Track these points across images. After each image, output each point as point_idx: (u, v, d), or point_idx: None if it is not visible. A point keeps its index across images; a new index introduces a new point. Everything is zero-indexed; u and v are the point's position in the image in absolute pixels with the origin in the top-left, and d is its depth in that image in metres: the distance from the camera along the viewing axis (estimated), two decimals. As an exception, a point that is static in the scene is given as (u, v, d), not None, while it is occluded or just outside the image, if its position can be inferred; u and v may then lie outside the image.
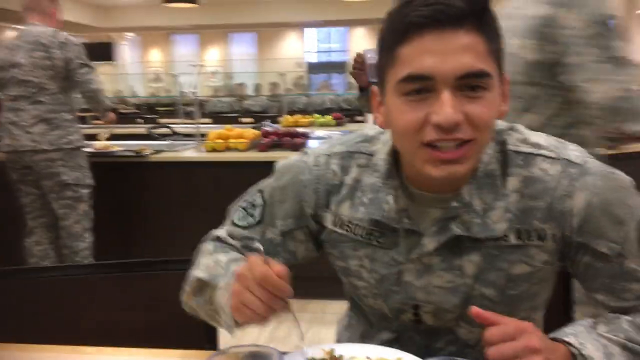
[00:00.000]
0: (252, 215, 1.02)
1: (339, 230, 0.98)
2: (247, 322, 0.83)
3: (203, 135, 3.67)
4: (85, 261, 3.05)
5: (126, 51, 15.79)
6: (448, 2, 0.76)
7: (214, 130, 3.73)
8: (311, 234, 1.02)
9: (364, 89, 2.42)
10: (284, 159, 1.05)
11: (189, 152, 3.66)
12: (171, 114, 7.66)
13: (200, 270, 0.97)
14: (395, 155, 0.93)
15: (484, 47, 0.78)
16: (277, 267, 0.78)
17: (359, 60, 2.36)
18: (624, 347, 0.80)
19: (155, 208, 3.48)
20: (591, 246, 0.86)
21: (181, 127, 4.62)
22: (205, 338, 1.14)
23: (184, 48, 16.13)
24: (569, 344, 0.79)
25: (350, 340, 1.09)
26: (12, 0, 5.39)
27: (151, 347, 0.99)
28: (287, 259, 1.02)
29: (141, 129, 4.83)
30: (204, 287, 0.94)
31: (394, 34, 0.80)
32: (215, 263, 0.96)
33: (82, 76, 2.99)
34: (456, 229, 0.87)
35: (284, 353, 0.84)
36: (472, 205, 0.87)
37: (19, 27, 3.08)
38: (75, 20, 11.69)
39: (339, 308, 1.22)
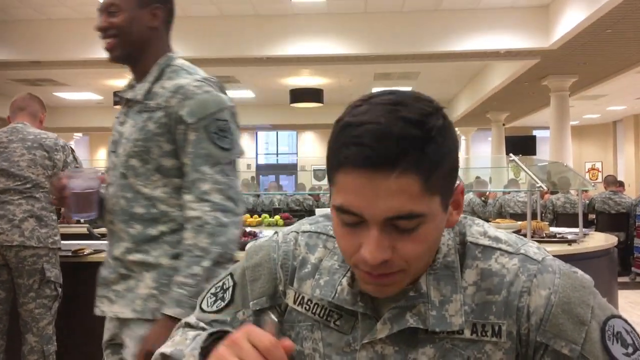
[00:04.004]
0: (222, 299, 0.98)
1: (299, 309, 0.95)
2: None
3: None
4: None
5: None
6: (379, 145, 0.74)
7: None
8: (282, 315, 0.98)
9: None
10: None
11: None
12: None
13: (165, 346, 0.91)
14: None
15: (420, 186, 0.75)
16: (287, 343, 0.71)
17: (58, 186, 1.61)
18: None
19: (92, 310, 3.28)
20: (551, 346, 0.83)
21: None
22: None
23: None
24: None
25: None
26: None
27: None
28: None
29: (82, 228, 4.67)
30: None
31: (334, 154, 0.79)
32: (182, 339, 0.91)
33: None
34: (411, 321, 0.85)
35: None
36: (429, 296, 0.86)
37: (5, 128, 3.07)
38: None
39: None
